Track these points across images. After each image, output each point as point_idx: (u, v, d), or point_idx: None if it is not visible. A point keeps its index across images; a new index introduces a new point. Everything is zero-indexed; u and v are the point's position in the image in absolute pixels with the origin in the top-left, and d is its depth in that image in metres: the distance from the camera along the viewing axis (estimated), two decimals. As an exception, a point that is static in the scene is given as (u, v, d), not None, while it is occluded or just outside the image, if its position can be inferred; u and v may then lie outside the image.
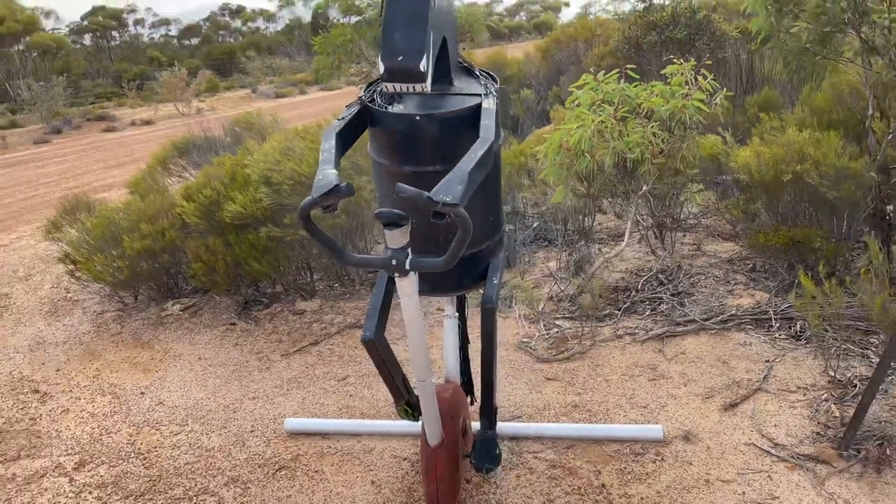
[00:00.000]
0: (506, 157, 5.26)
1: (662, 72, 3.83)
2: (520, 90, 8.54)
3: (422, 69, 1.90)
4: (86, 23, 36.14)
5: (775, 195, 4.04)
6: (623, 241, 4.29)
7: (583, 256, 4.50)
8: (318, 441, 3.04)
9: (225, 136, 7.02)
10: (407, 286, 1.97)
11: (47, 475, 2.99)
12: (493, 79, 2.36)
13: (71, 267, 4.66)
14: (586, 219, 5.23)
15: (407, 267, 1.89)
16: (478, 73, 2.39)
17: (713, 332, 3.62)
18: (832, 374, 3.08)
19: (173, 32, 44.23)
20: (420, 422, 2.32)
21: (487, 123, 2.03)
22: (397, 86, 1.96)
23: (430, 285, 2.34)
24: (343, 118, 2.16)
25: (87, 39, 38.11)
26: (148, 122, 18.28)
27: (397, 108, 2.17)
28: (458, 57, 2.44)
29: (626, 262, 4.70)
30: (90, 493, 2.85)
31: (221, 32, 44.90)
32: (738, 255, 4.64)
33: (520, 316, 4.00)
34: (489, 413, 2.45)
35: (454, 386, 2.60)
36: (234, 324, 4.37)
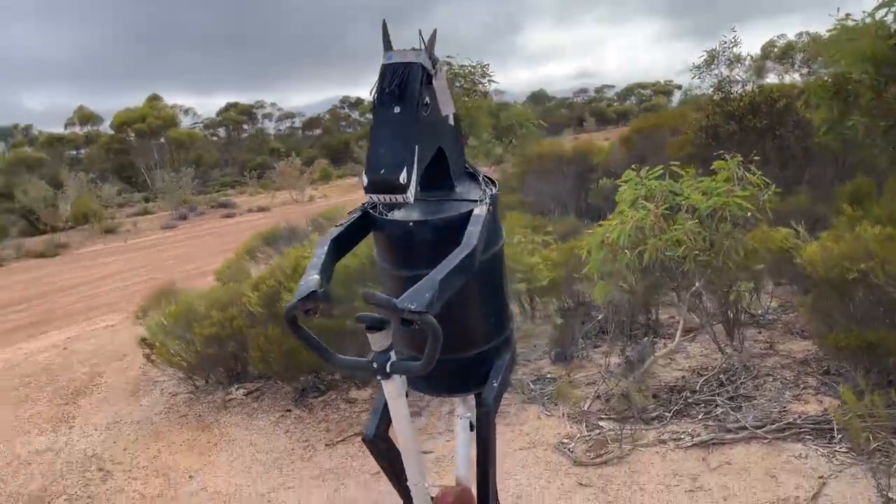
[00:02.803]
0: (570, 248, 5.25)
1: (711, 167, 3.77)
2: (600, 179, 8.55)
3: (401, 181, 1.98)
4: (220, 118, 39.72)
5: (845, 294, 3.78)
6: (675, 338, 4.12)
7: (639, 353, 4.34)
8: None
9: (307, 226, 7.44)
10: (392, 389, 2.00)
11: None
12: (494, 184, 2.41)
13: (148, 351, 5.00)
14: (653, 311, 5.08)
15: (388, 370, 1.93)
16: (481, 179, 2.45)
17: (766, 441, 3.37)
18: (888, 494, 2.78)
19: (297, 125, 47.66)
20: None
21: (472, 230, 2.07)
22: (380, 196, 2.06)
23: (432, 387, 2.35)
24: (342, 224, 2.27)
25: (222, 132, 41.79)
26: (263, 209, 19.54)
27: (397, 215, 2.26)
28: (463, 163, 2.51)
29: (691, 360, 4.49)
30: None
31: (342, 124, 47.85)
32: (813, 355, 4.32)
33: (564, 415, 3.90)
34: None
35: (462, 489, 2.55)
36: (289, 410, 4.51)
